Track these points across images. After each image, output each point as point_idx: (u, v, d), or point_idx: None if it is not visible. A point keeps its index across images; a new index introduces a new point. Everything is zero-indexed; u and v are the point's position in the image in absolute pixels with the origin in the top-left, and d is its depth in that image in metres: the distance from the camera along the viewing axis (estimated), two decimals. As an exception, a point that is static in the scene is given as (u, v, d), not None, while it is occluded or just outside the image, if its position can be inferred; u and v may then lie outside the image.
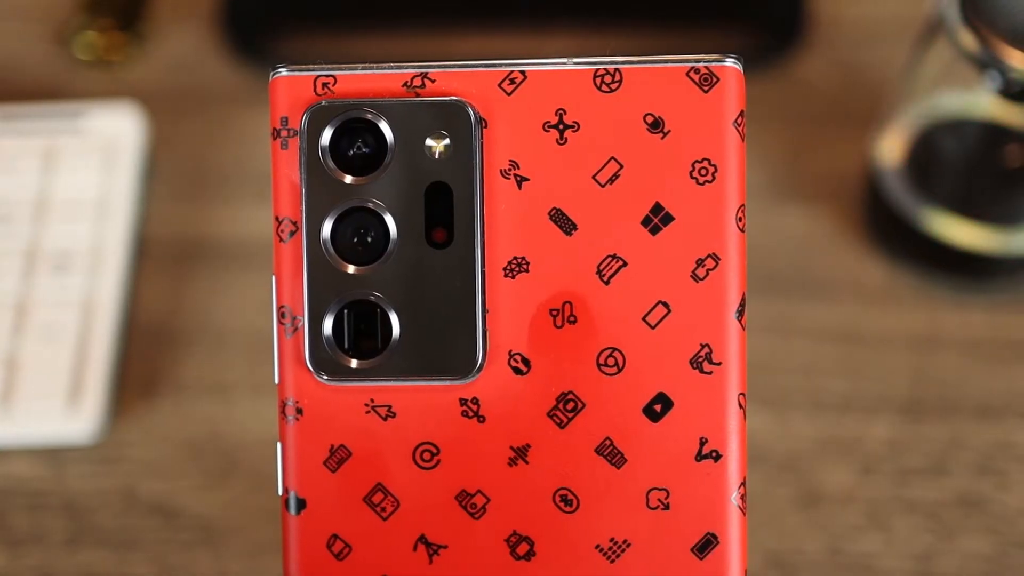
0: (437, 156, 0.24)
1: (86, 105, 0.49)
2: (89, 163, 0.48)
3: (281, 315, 0.25)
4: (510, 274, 0.24)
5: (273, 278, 0.25)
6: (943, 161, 0.47)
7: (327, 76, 0.24)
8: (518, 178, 0.24)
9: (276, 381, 0.25)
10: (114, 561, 0.41)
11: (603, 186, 0.24)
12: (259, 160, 0.51)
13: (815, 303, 0.47)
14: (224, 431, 0.43)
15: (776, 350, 0.45)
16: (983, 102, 0.46)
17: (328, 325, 0.24)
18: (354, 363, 0.24)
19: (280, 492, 0.25)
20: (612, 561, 0.25)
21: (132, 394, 0.44)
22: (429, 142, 0.24)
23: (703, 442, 0.24)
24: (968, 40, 0.41)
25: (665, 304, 0.24)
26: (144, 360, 0.45)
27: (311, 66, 0.24)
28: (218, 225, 0.49)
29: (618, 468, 0.25)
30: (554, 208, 0.24)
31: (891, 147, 0.47)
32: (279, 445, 0.25)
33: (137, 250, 0.48)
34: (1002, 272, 0.46)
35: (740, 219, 0.24)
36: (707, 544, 0.25)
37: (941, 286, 0.46)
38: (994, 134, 0.47)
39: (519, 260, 0.24)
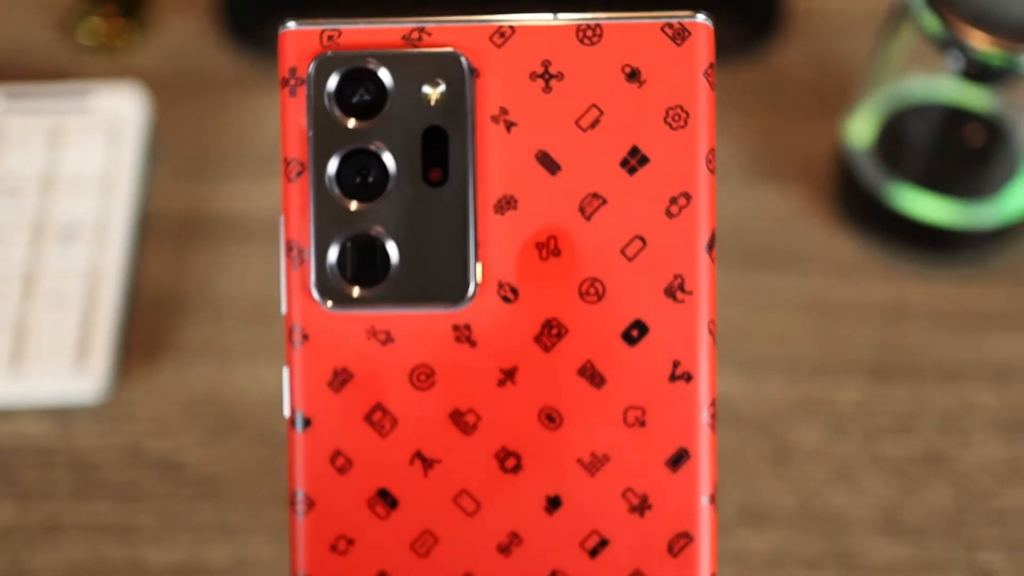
0: (433, 102, 0.26)
1: (91, 85, 0.52)
2: (94, 141, 0.50)
3: (289, 249, 0.27)
4: (500, 211, 0.27)
5: (281, 216, 0.27)
6: (910, 142, 0.50)
7: (332, 30, 0.27)
8: (507, 123, 0.26)
9: (283, 311, 0.27)
10: (119, 513, 0.42)
11: (585, 131, 0.26)
12: (257, 141, 0.53)
13: (789, 276, 0.49)
14: (225, 392, 0.45)
15: (752, 319, 0.47)
16: (947, 86, 0.49)
17: (333, 256, 0.26)
18: (356, 291, 0.26)
19: (287, 413, 0.27)
20: (592, 474, 0.27)
21: (136, 358, 0.46)
22: (426, 89, 0.26)
23: (676, 365, 0.27)
24: (931, 22, 0.44)
25: (641, 238, 0.26)
26: (148, 326, 0.47)
27: (317, 21, 0.27)
28: (218, 201, 0.51)
29: (598, 388, 0.27)
30: (540, 151, 0.26)
31: (861, 129, 0.49)
32: (285, 370, 0.27)
33: (140, 224, 0.50)
34: (966, 246, 0.48)
35: (710, 161, 0.26)
36: (679, 458, 0.27)
37: (909, 260, 0.49)
38: (957, 116, 0.49)
39: (508, 198, 0.27)
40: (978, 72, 0.44)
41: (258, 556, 0.41)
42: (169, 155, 0.52)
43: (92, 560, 0.41)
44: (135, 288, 0.48)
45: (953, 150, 0.49)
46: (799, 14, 0.56)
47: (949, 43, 0.44)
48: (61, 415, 0.45)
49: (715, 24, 0.27)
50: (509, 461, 0.27)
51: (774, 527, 0.42)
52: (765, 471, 0.43)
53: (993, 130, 0.49)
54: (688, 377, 0.27)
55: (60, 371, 0.44)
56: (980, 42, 0.43)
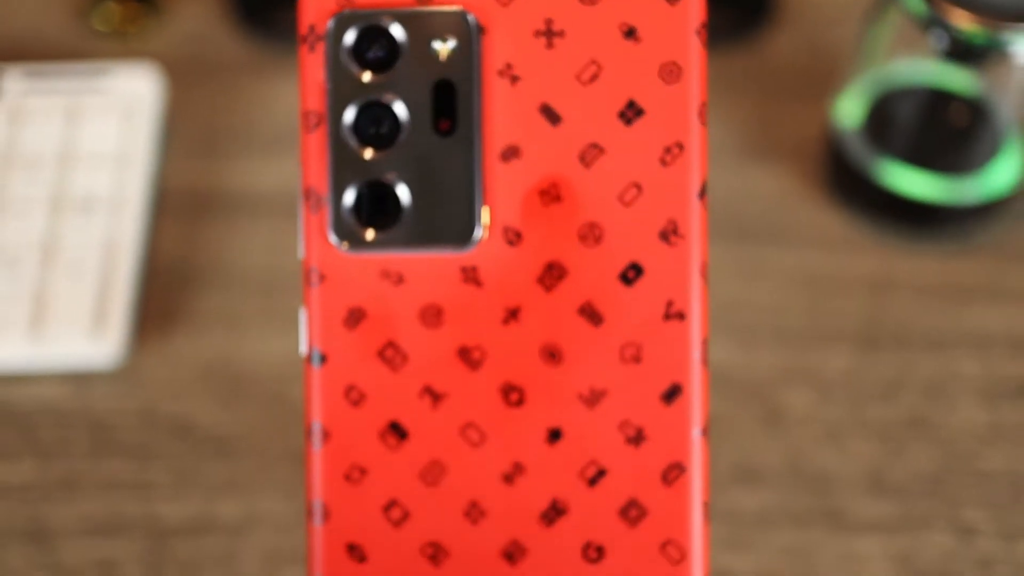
0: (443, 58, 0.28)
1: (108, 65, 0.53)
2: (110, 119, 0.52)
3: (307, 196, 0.28)
4: (505, 159, 0.28)
5: (300, 164, 0.29)
6: (897, 122, 0.51)
7: None
8: (512, 77, 0.28)
9: (301, 256, 0.29)
10: (134, 470, 0.44)
11: (584, 85, 0.28)
12: (267, 122, 0.55)
13: (779, 250, 0.51)
14: (237, 358, 0.47)
15: (744, 291, 0.49)
16: (932, 69, 0.51)
17: (348, 201, 0.28)
18: (370, 234, 0.28)
19: (304, 351, 0.29)
20: (591, 408, 0.28)
21: (151, 326, 0.48)
22: (436, 45, 0.28)
23: (670, 304, 0.28)
24: (916, 3, 0.46)
25: (637, 185, 0.28)
26: (162, 296, 0.49)
27: (335, -18, 0.29)
28: (230, 179, 0.53)
29: (596, 327, 0.28)
30: (543, 103, 0.28)
31: (850, 110, 0.51)
32: (302, 310, 0.29)
33: (155, 200, 0.52)
34: (951, 221, 0.50)
35: (701, 114, 0.28)
36: (673, 392, 0.28)
37: (896, 236, 0.50)
38: (942, 97, 0.51)
39: (513, 147, 0.28)
40: (962, 51, 0.46)
41: (268, 510, 0.43)
42: (182, 135, 0.54)
43: (108, 514, 0.43)
44: (150, 259, 0.50)
45: (938, 129, 0.51)
46: (790, 2, 0.58)
47: (933, 23, 0.46)
48: (79, 379, 0.46)
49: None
50: (513, 395, 0.29)
51: (765, 486, 0.44)
52: (756, 434, 0.45)
53: (977, 110, 0.51)
54: (681, 316, 0.28)
55: (78, 337, 0.46)
56: (963, 21, 0.45)
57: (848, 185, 0.51)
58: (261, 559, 0.42)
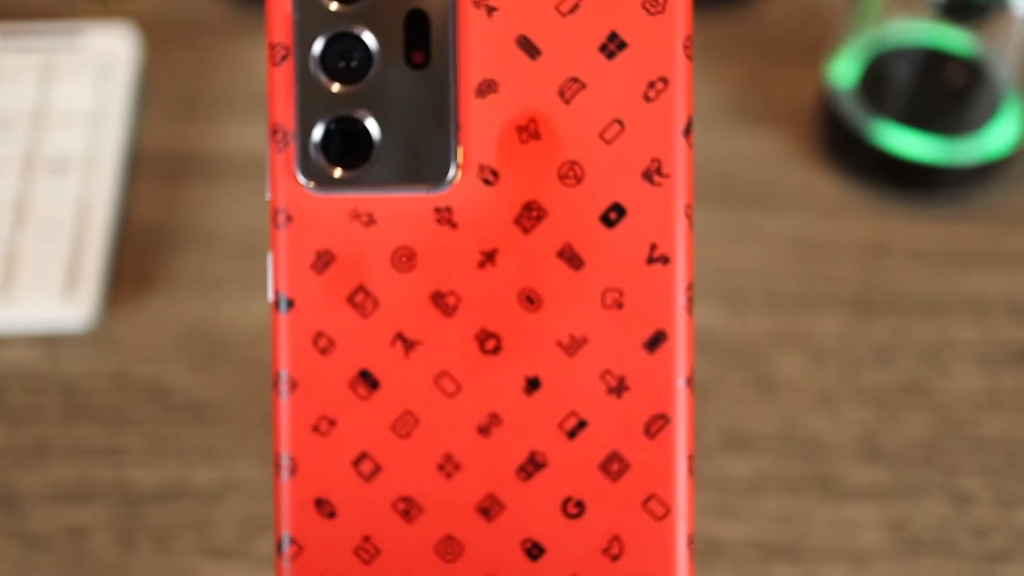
0: (415, -13, 0.27)
1: (83, 24, 0.52)
2: (85, 77, 0.50)
3: (274, 132, 0.27)
4: (481, 94, 0.27)
5: (267, 99, 0.27)
6: (893, 83, 0.50)
7: None
8: (488, 8, 0.27)
9: (268, 197, 0.27)
10: (107, 435, 0.43)
11: (564, 16, 0.27)
12: (245, 85, 0.53)
13: (772, 214, 0.49)
14: (213, 322, 0.46)
15: (734, 255, 0.48)
16: (928, 29, 0.49)
17: (316, 137, 0.27)
18: (339, 173, 0.27)
19: (270, 296, 0.27)
20: (571, 356, 0.27)
21: (126, 288, 0.47)
22: (408, -26, 0.27)
23: (653, 247, 0.27)
24: (913, -43, 0.44)
25: (619, 122, 0.27)
26: (137, 258, 0.48)
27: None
28: (208, 141, 0.51)
29: (577, 271, 0.27)
30: (520, 35, 0.27)
31: (844, 71, 0.50)
32: (270, 254, 0.27)
33: (131, 161, 0.50)
34: (947, 184, 0.49)
35: (687, 47, 0.27)
36: (656, 340, 0.27)
37: (891, 199, 0.49)
38: (938, 58, 0.50)
39: (489, 82, 0.27)
40: (958, 7, 0.45)
41: (244, 477, 0.42)
42: (159, 97, 0.52)
43: (79, 480, 0.42)
44: (125, 221, 0.48)
45: (935, 90, 0.50)
46: (786, -35, 0.57)
47: (931, -22, 0.44)
48: (50, 342, 0.45)
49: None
50: (489, 343, 0.27)
51: (756, 452, 0.42)
52: (747, 399, 0.44)
53: (974, 71, 0.49)
54: (665, 260, 0.27)
55: (49, 299, 0.45)
56: (961, -25, 0.43)
57: (842, 147, 0.50)
58: (236, 526, 0.41)
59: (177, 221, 0.49)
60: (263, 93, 0.53)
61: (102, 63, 0.51)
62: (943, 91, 0.50)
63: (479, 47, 0.27)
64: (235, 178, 0.50)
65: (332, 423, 0.28)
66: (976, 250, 0.48)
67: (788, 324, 0.46)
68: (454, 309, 0.28)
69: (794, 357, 0.45)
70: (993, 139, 0.48)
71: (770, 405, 0.44)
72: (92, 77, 0.50)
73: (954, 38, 0.49)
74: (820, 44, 0.53)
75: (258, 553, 0.40)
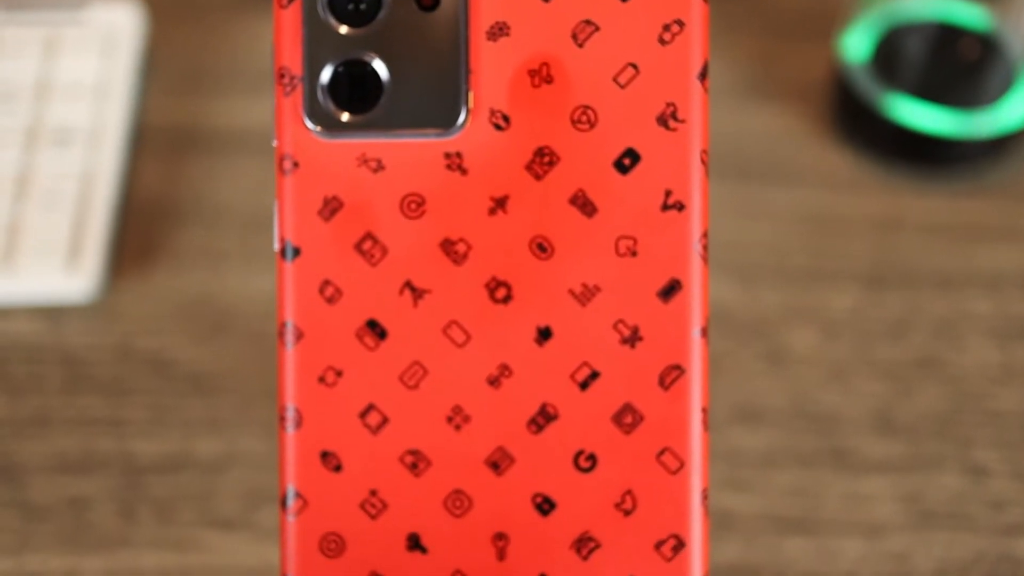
0: (426, -72, 0.26)
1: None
2: (89, 50, 0.50)
3: (281, 76, 0.27)
4: (492, 37, 0.26)
5: (273, 43, 0.27)
6: (906, 56, 0.49)
7: None
8: (500, -50, 0.26)
9: (274, 144, 0.27)
10: (109, 406, 0.42)
11: (578, -42, 0.26)
12: (253, 60, 0.53)
13: (783, 189, 0.49)
14: (217, 295, 0.45)
15: (745, 229, 0.47)
16: (940, 3, 0.49)
17: (324, 81, 0.26)
18: (346, 117, 0.26)
19: (276, 245, 0.27)
20: (583, 305, 0.27)
21: (129, 261, 0.46)
22: (419, -86, 0.26)
23: (668, 194, 0.26)
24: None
25: (634, 66, 0.26)
26: (141, 231, 0.47)
27: None
28: (213, 117, 0.51)
29: (589, 218, 0.26)
30: (533, -23, 0.26)
31: (857, 44, 0.49)
32: (276, 202, 0.27)
33: (135, 135, 0.50)
34: (961, 158, 0.48)
35: (704, -12, 0.26)
36: (671, 289, 0.26)
37: (904, 174, 0.49)
38: (952, 32, 0.49)
39: (500, 24, 0.26)
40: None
41: (248, 449, 0.41)
42: (165, 72, 0.52)
43: (81, 451, 0.41)
44: (129, 194, 0.48)
45: (948, 64, 0.49)
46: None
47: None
48: (52, 313, 0.44)
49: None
50: (499, 291, 0.27)
51: (767, 426, 0.42)
52: (758, 373, 0.43)
53: (987, 45, 0.49)
54: (680, 207, 0.26)
55: (52, 270, 0.44)
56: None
57: (855, 121, 0.49)
58: (239, 497, 0.40)
59: (182, 195, 0.48)
60: (270, 70, 0.53)
61: (107, 37, 0.50)
62: (957, 65, 0.49)
63: (490, -11, 0.27)
64: (241, 153, 0.50)
65: (339, 374, 0.27)
66: (990, 225, 0.47)
67: (799, 298, 0.45)
68: (464, 257, 0.27)
69: (806, 331, 0.44)
70: (1007, 113, 0.47)
71: (782, 379, 0.43)
72: (97, 51, 0.50)
73: (967, 12, 0.48)
74: (832, 19, 0.53)
75: (262, 524, 0.39)
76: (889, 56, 0.49)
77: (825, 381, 0.43)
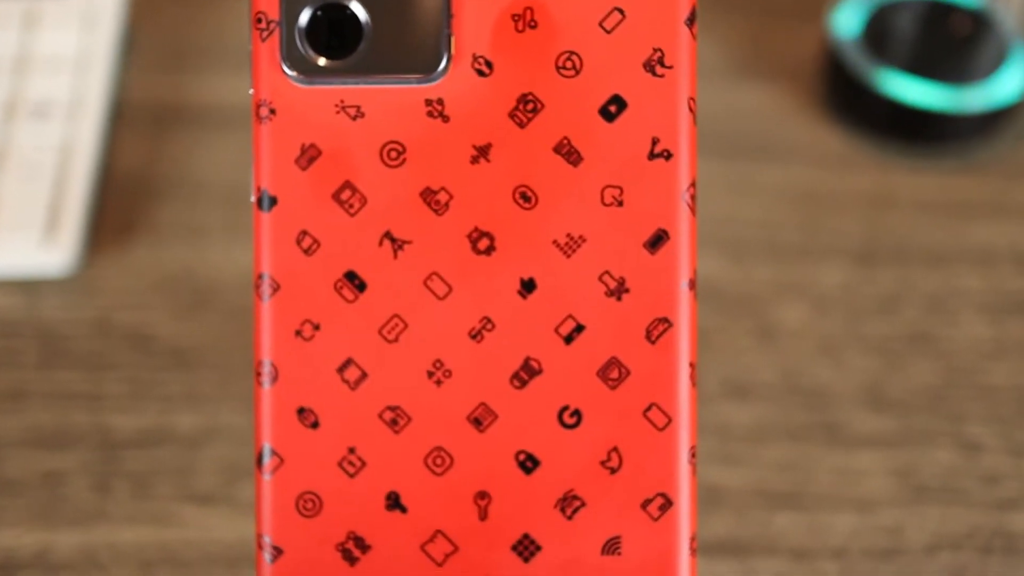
0: None
1: (68, -28, 0.51)
2: (69, 24, 0.49)
3: (257, 20, 0.26)
4: (474, -20, 0.26)
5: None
6: (896, 32, 0.49)
7: None
8: None
9: (251, 91, 0.26)
10: (87, 381, 0.41)
11: (563, -101, 0.26)
12: (235, 38, 0.52)
13: (774, 166, 0.48)
14: (197, 270, 0.44)
15: (735, 205, 0.47)
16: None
17: (303, 21, 0.25)
18: (324, 61, 0.25)
19: (252, 195, 0.26)
20: (568, 256, 0.26)
21: (109, 236, 0.45)
22: None
23: (655, 142, 0.26)
24: None
25: (620, 11, 0.26)
26: (121, 205, 0.46)
27: None
28: (196, 93, 0.50)
29: (575, 166, 0.26)
30: (516, -81, 0.26)
31: (848, 20, 0.49)
32: (252, 150, 0.26)
33: (116, 110, 0.49)
34: (954, 134, 0.48)
35: (691, -67, 0.26)
36: (658, 239, 0.26)
37: (896, 151, 0.48)
38: (941, 7, 0.49)
39: (483, -33, 0.26)
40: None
41: (228, 423, 0.40)
42: (147, 47, 0.51)
43: (56, 426, 0.40)
44: (109, 169, 0.47)
45: (940, 39, 0.49)
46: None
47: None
48: (29, 287, 0.44)
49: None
50: (482, 242, 0.26)
51: (757, 401, 0.41)
52: (747, 348, 0.42)
53: (979, 20, 0.48)
54: (667, 155, 0.26)
55: (29, 243, 0.43)
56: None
57: (846, 97, 0.48)
58: (219, 472, 0.39)
59: (163, 170, 0.47)
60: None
61: (88, 10, 0.49)
62: (948, 40, 0.48)
63: (473, -70, 0.26)
64: (224, 129, 0.49)
65: (316, 327, 0.26)
66: (981, 202, 0.47)
67: (790, 274, 0.45)
68: (445, 207, 0.26)
69: (796, 306, 0.44)
70: (999, 88, 0.47)
71: (772, 354, 0.42)
72: (76, 24, 0.49)
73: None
74: (818, 4, 0.52)
75: (241, 499, 0.39)
76: (880, 32, 0.48)
77: (816, 356, 0.42)
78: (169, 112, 0.49)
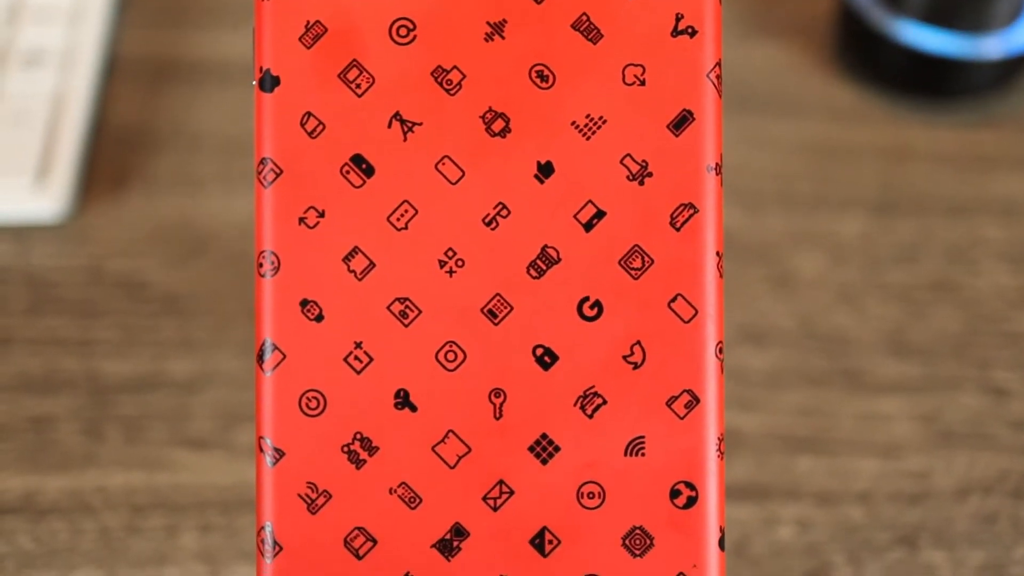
0: None
1: (63, -75, 0.50)
2: (64, -23, 0.48)
3: None
4: None
5: None
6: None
7: None
8: None
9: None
10: (77, 328, 0.40)
11: None
12: (235, -3, 0.51)
13: (788, 121, 0.47)
14: (194, 218, 0.43)
15: (749, 157, 0.45)
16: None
17: None
18: (331, -68, 0.24)
19: (254, 76, 0.25)
20: (588, 138, 0.24)
21: (102, 185, 0.44)
22: None
23: (679, 18, 0.24)
24: None
25: None
26: (115, 155, 0.45)
27: None
28: (194, 49, 0.49)
29: (594, 44, 0.24)
30: None
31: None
32: (254, 28, 0.25)
33: (111, 63, 0.48)
34: (971, 84, 0.46)
35: None
36: (683, 120, 0.24)
37: (912, 104, 0.47)
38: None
39: None
40: None
41: (223, 368, 0.39)
42: (143, 3, 0.50)
43: (45, 370, 0.38)
44: (104, 120, 0.46)
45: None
46: None
47: None
48: (19, 233, 0.42)
49: None
50: (496, 123, 0.24)
51: (775, 346, 0.39)
52: (764, 295, 0.41)
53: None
54: (692, 31, 0.24)
55: (20, 189, 0.42)
56: None
57: (861, 48, 0.47)
58: (214, 417, 0.38)
59: (159, 122, 0.46)
60: (251, 2, 0.51)
61: (82, -36, 0.48)
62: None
63: None
64: (222, 84, 0.47)
65: (321, 214, 0.25)
66: (1000, 155, 0.45)
67: (806, 224, 0.43)
68: (458, 86, 0.25)
69: (813, 255, 0.42)
70: (1018, 37, 0.46)
71: (788, 302, 0.41)
72: (71, -24, 0.48)
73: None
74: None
75: (237, 443, 0.37)
76: (894, -16, 0.47)
77: (835, 304, 0.41)
78: (166, 66, 0.48)
